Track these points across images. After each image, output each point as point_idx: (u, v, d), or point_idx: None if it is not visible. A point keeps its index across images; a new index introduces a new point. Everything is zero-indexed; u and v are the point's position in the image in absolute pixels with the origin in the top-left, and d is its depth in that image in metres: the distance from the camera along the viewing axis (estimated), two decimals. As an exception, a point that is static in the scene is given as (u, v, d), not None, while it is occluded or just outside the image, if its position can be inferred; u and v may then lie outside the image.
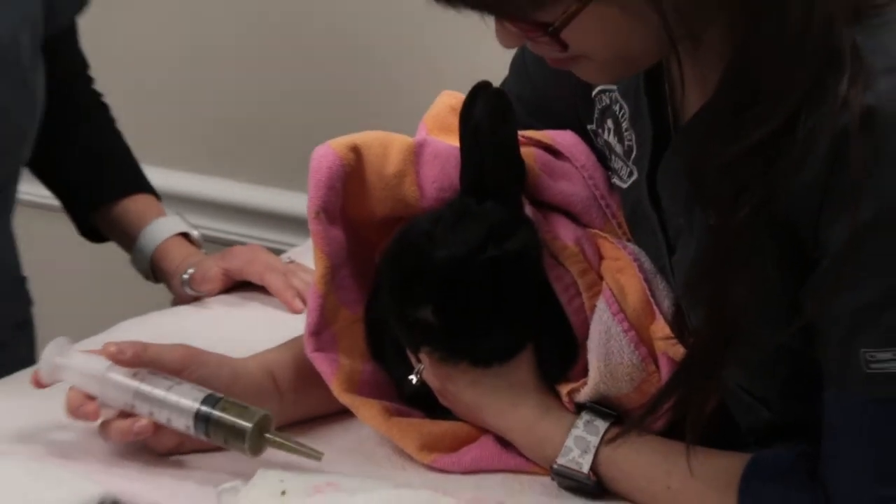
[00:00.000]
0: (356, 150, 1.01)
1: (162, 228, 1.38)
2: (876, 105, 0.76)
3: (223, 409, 0.93)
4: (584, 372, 0.95)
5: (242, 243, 1.65)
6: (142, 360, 0.97)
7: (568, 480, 0.94)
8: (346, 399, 1.01)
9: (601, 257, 1.00)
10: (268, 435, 0.93)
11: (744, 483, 0.88)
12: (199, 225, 1.50)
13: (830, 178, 0.77)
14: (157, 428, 0.96)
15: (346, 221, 1.03)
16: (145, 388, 0.95)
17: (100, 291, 1.90)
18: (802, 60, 0.78)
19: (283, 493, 0.90)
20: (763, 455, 0.90)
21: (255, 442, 0.93)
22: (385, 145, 1.04)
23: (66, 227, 1.49)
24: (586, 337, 0.96)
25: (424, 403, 1.04)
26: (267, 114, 1.94)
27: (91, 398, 0.97)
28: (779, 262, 0.82)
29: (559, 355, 0.98)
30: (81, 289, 1.93)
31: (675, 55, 0.86)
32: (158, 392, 0.94)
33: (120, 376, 0.95)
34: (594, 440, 0.94)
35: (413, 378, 1.00)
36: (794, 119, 0.79)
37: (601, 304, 0.96)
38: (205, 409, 0.93)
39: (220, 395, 0.95)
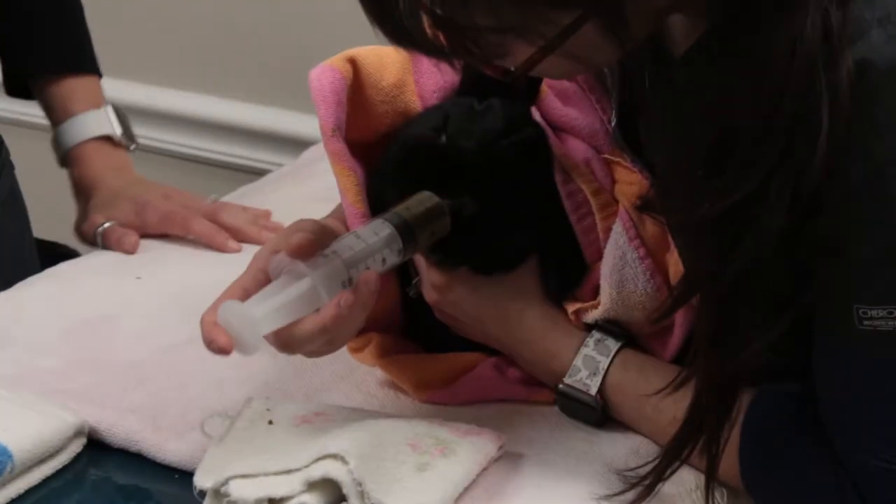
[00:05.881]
0: (353, 63, 0.98)
1: (83, 127, 1.20)
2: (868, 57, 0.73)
3: (407, 209, 0.90)
4: (593, 293, 0.94)
5: (220, 162, 1.65)
6: (314, 248, 0.91)
7: (573, 402, 0.92)
8: None
9: (614, 181, 0.97)
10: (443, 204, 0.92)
11: (748, 416, 0.85)
12: (177, 142, 1.46)
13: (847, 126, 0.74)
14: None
15: (347, 141, 1.01)
16: (347, 253, 0.90)
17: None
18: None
19: (270, 422, 0.89)
20: (765, 391, 0.87)
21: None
22: (380, 56, 1.01)
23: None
24: (596, 259, 0.95)
25: (422, 337, 1.03)
26: (248, 28, 1.89)
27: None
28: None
29: (562, 273, 0.97)
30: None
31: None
32: (360, 245, 0.89)
33: (327, 268, 0.89)
34: (604, 361, 0.91)
35: (410, 290, 0.99)
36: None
37: (617, 227, 0.93)
38: (398, 223, 0.89)
39: (393, 210, 0.89)
